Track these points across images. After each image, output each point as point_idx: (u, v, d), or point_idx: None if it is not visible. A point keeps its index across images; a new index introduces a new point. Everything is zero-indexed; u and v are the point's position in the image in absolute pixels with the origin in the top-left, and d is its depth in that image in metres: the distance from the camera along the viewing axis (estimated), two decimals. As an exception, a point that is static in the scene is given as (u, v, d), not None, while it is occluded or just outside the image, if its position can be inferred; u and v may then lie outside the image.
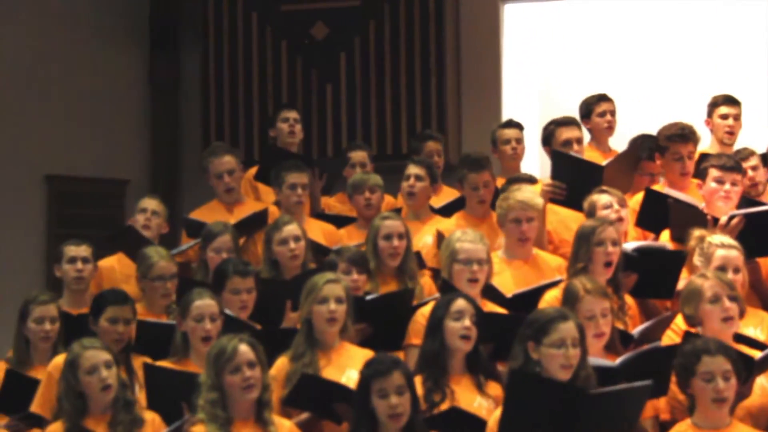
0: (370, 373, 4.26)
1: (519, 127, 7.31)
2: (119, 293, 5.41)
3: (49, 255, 8.94)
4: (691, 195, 5.93)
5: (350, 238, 6.51)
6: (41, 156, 9.39)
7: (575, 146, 6.46)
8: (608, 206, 5.65)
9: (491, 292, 5.32)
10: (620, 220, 5.59)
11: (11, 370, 5.19)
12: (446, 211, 6.60)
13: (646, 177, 6.40)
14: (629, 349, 4.87)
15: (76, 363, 4.54)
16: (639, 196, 5.98)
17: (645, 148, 6.43)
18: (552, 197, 6.01)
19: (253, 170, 7.34)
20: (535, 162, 7.94)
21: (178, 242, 6.88)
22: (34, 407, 4.96)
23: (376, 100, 9.56)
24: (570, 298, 4.78)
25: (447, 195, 7.07)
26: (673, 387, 4.59)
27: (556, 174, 6.11)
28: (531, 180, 6.45)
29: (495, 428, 4.23)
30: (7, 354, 5.50)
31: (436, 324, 4.72)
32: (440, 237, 5.97)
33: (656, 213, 5.80)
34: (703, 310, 4.83)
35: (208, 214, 6.73)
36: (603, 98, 7.03)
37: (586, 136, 6.94)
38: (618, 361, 4.60)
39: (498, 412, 4.25)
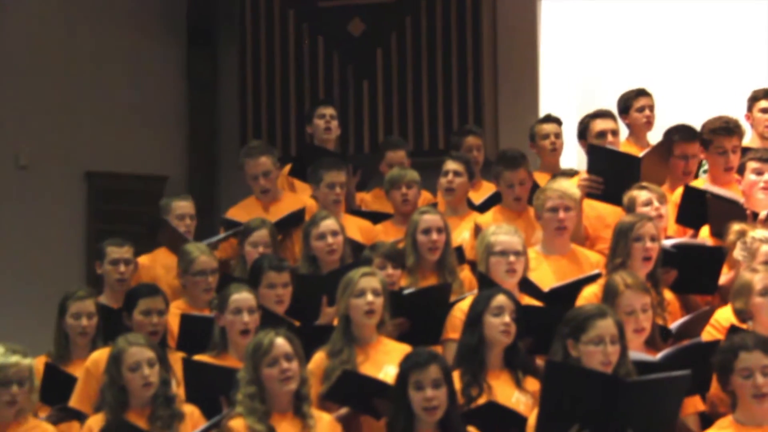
0: (407, 366, 4.27)
1: (557, 121, 7.28)
2: (150, 285, 5.48)
3: (89, 250, 9.02)
4: (734, 190, 5.88)
5: (387, 234, 6.50)
6: (81, 153, 9.48)
7: (610, 137, 6.42)
8: (648, 203, 5.62)
9: (528, 287, 5.29)
10: (660, 217, 5.56)
11: (50, 363, 5.25)
12: (485, 207, 6.58)
13: (681, 161, 6.33)
14: (668, 345, 4.84)
15: (120, 358, 4.59)
16: (680, 191, 5.93)
17: (676, 131, 6.37)
18: (588, 191, 5.98)
19: (290, 166, 7.36)
20: (574, 157, 7.90)
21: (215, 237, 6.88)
22: (73, 402, 5.02)
23: (412, 96, 9.55)
24: (610, 293, 4.76)
25: (486, 190, 7.04)
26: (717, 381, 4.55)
27: (592, 168, 6.07)
28: (572, 174, 6.41)
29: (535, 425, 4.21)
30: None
31: (475, 318, 4.70)
32: (478, 230, 5.96)
33: (696, 209, 5.76)
34: (754, 303, 4.81)
35: (245, 211, 6.75)
36: (641, 93, 6.98)
37: (624, 131, 6.90)
38: (659, 355, 4.57)
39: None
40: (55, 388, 5.06)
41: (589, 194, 5.99)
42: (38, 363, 5.13)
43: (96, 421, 4.59)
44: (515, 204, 6.27)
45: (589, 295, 5.09)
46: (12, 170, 9.22)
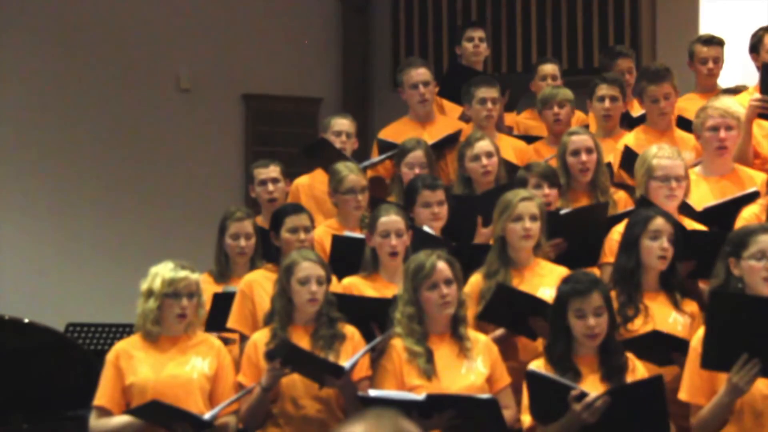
0: (567, 290, 4.19)
1: (720, 43, 6.97)
2: (294, 204, 5.55)
3: (247, 172, 9.21)
4: None
5: (539, 154, 6.43)
6: (239, 76, 9.67)
7: None
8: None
9: (684, 207, 5.16)
10: None
11: (217, 293, 5.34)
12: None
13: None
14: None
15: (292, 270, 4.63)
16: None
17: None
18: (761, 112, 5.76)
19: (438, 88, 7.33)
20: (738, 74, 7.60)
21: (368, 158, 6.94)
22: (231, 323, 5.11)
23: (567, 14, 9.38)
24: None
25: (638, 110, 6.86)
26: None
27: (765, 87, 5.85)
28: (739, 90, 6.20)
29: (699, 348, 4.06)
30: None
31: (632, 241, 4.63)
32: (626, 150, 5.84)
33: None
34: None
35: (400, 129, 6.75)
36: None
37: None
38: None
39: (701, 332, 4.09)
40: (223, 314, 5.18)
41: (761, 115, 5.77)
42: (201, 281, 5.26)
43: (262, 335, 4.67)
44: (660, 120, 6.09)
45: (749, 216, 4.94)
46: (174, 93, 9.49)
